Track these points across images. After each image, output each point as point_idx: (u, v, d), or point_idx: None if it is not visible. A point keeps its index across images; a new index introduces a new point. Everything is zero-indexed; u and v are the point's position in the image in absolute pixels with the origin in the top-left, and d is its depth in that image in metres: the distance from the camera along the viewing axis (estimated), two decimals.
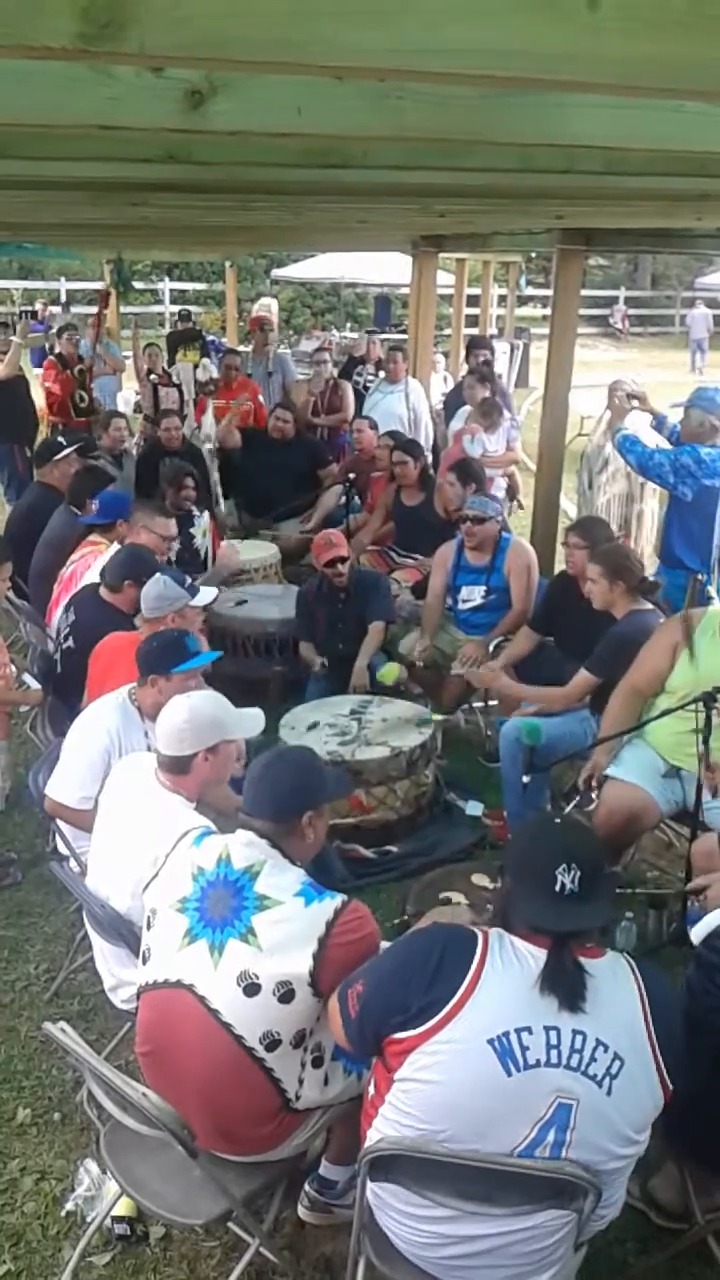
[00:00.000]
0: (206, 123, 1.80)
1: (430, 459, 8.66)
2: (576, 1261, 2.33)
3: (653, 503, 7.30)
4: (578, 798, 4.27)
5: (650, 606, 4.48)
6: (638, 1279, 2.85)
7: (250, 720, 3.27)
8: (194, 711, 3.07)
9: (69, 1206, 3.02)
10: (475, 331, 16.00)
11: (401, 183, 3.26)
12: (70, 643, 4.61)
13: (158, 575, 4.18)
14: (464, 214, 5.91)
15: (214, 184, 3.62)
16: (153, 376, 10.65)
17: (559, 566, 6.44)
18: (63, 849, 3.70)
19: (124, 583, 4.46)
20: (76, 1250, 2.80)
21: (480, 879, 3.83)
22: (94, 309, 15.15)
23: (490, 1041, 2.07)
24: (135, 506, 5.55)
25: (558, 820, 2.38)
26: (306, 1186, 2.95)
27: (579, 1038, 2.08)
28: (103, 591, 4.60)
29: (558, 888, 2.11)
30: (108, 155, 2.50)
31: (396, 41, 1.13)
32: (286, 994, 2.42)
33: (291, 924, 2.46)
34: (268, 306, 10.91)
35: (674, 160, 2.58)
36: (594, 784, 4.04)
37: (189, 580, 4.29)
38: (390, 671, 5.41)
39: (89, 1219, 2.93)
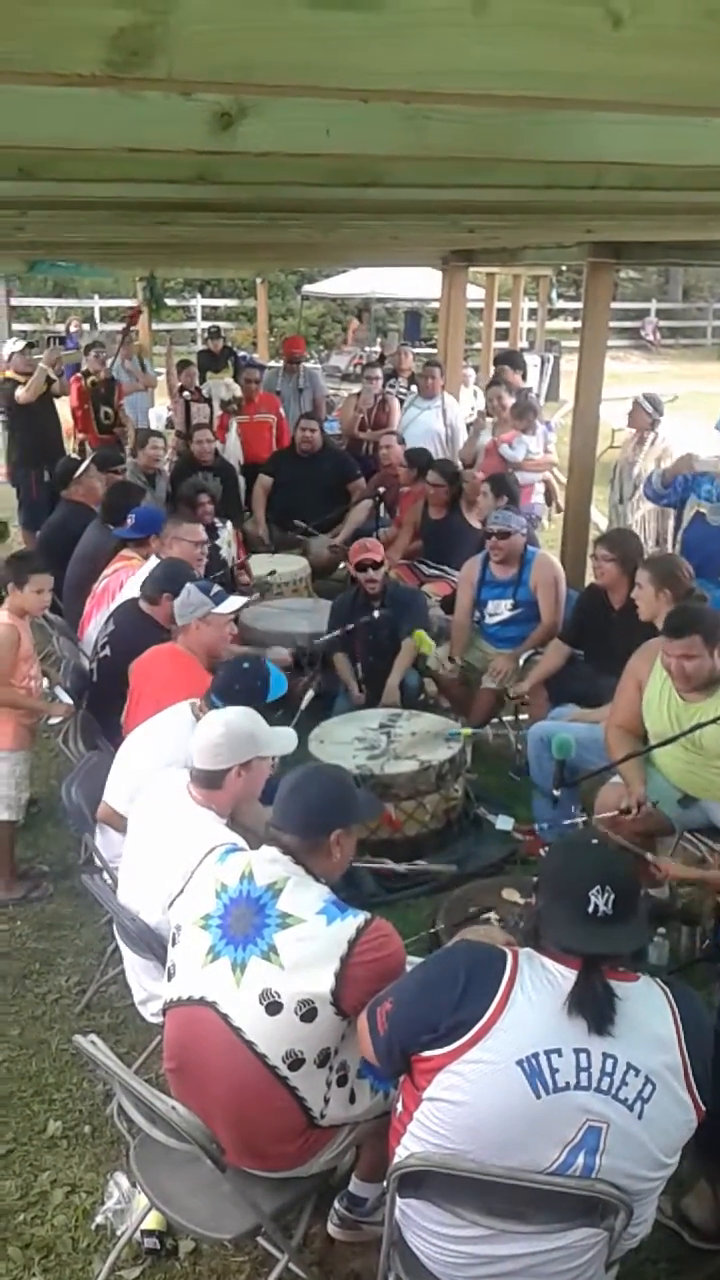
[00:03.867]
0: (235, 144, 1.82)
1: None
2: None
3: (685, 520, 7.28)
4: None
5: None
6: None
7: (283, 739, 3.28)
8: (230, 727, 3.09)
9: (99, 1220, 3.02)
10: (506, 345, 16.01)
11: (429, 200, 3.28)
12: (107, 651, 4.68)
13: (191, 585, 4.24)
14: (493, 229, 5.92)
15: (244, 203, 3.66)
16: (185, 393, 10.73)
17: (589, 579, 6.42)
18: (96, 862, 3.72)
19: (161, 595, 4.52)
20: (106, 1264, 2.81)
21: (511, 894, 3.80)
22: (118, 326, 15.30)
23: (520, 1063, 2.05)
24: (166, 522, 5.60)
25: (594, 840, 2.34)
26: (336, 1203, 2.94)
27: (609, 1061, 2.06)
28: (142, 604, 4.67)
29: (590, 909, 2.09)
30: (138, 176, 2.53)
31: (421, 64, 1.14)
32: (309, 1013, 2.41)
33: (313, 942, 2.45)
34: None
35: (703, 175, 2.57)
36: (640, 812, 3.99)
37: (215, 589, 4.32)
38: (422, 639, 5.37)
39: (119, 1232, 2.93)
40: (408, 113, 1.88)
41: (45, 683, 4.83)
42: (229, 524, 7.07)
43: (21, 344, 10.36)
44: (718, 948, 3.85)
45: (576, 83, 1.18)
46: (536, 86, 1.18)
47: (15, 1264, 2.91)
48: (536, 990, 2.11)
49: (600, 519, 8.70)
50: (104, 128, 1.82)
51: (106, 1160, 3.25)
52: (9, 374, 9.16)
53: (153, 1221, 2.90)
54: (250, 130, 1.81)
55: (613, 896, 2.09)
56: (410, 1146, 2.21)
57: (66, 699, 4.86)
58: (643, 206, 3.83)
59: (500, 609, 5.76)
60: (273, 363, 12.21)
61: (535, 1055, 2.06)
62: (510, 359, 10.19)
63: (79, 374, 10.52)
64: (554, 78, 1.18)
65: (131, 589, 5.06)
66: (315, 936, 2.46)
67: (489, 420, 8.97)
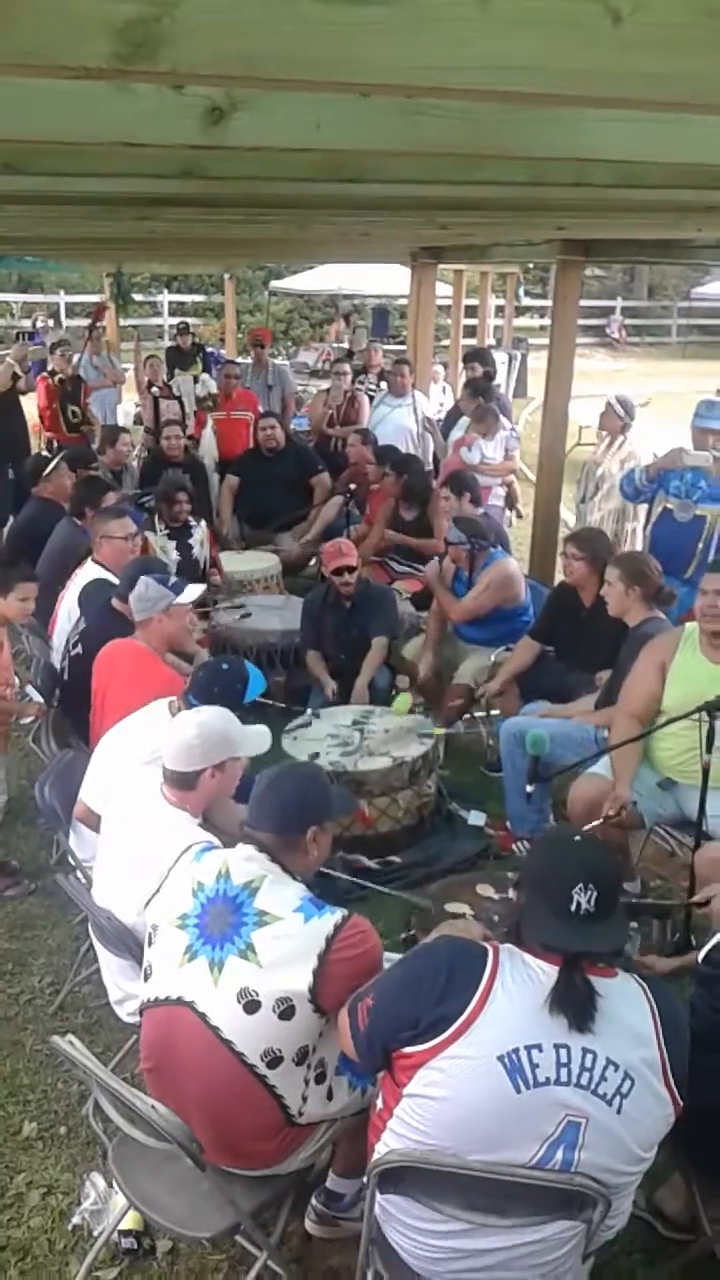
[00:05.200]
0: (227, 138, 1.81)
1: (434, 469, 8.72)
2: (584, 1272, 2.32)
3: (644, 518, 7.32)
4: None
5: (663, 615, 4.49)
6: None
7: (257, 737, 3.28)
8: (203, 728, 3.07)
9: (76, 1220, 3.01)
10: (474, 342, 16.05)
11: (412, 195, 3.28)
12: (79, 650, 4.64)
13: (147, 578, 4.18)
14: (466, 226, 5.93)
15: (228, 198, 3.65)
16: (154, 389, 10.68)
17: (559, 576, 6.45)
18: (69, 862, 3.70)
19: None
20: (84, 1265, 2.79)
21: (485, 889, 3.81)
22: (83, 322, 15.19)
23: (500, 1058, 2.06)
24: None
25: (576, 838, 2.32)
26: (313, 1200, 2.94)
27: (589, 1056, 2.07)
28: (114, 602, 4.63)
29: (573, 907, 2.09)
30: (126, 171, 2.51)
31: (425, 59, 1.14)
32: (287, 1010, 2.41)
33: (291, 940, 2.45)
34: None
35: (686, 173, 2.59)
36: (620, 816, 4.00)
37: (173, 579, 4.29)
38: (402, 704, 5.38)
39: (96, 1233, 2.91)
40: (399, 108, 1.88)
41: (16, 682, 4.79)
42: (202, 523, 7.05)
43: None
44: (688, 942, 3.88)
45: (577, 79, 1.19)
46: (538, 82, 1.19)
47: None
48: (517, 985, 2.12)
49: (569, 516, 8.74)
50: (97, 122, 1.81)
51: (83, 1161, 3.23)
52: None
53: (130, 1221, 2.89)
54: (241, 125, 1.80)
55: (595, 895, 2.10)
56: (390, 1143, 2.22)
57: (38, 698, 4.83)
58: (622, 204, 3.85)
59: None
60: (243, 359, 12.16)
61: (516, 1050, 2.06)
62: (479, 356, 10.20)
63: (45, 373, 10.44)
64: (555, 74, 1.18)
65: (73, 592, 5.08)
66: (292, 934, 2.46)
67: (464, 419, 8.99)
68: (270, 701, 5.59)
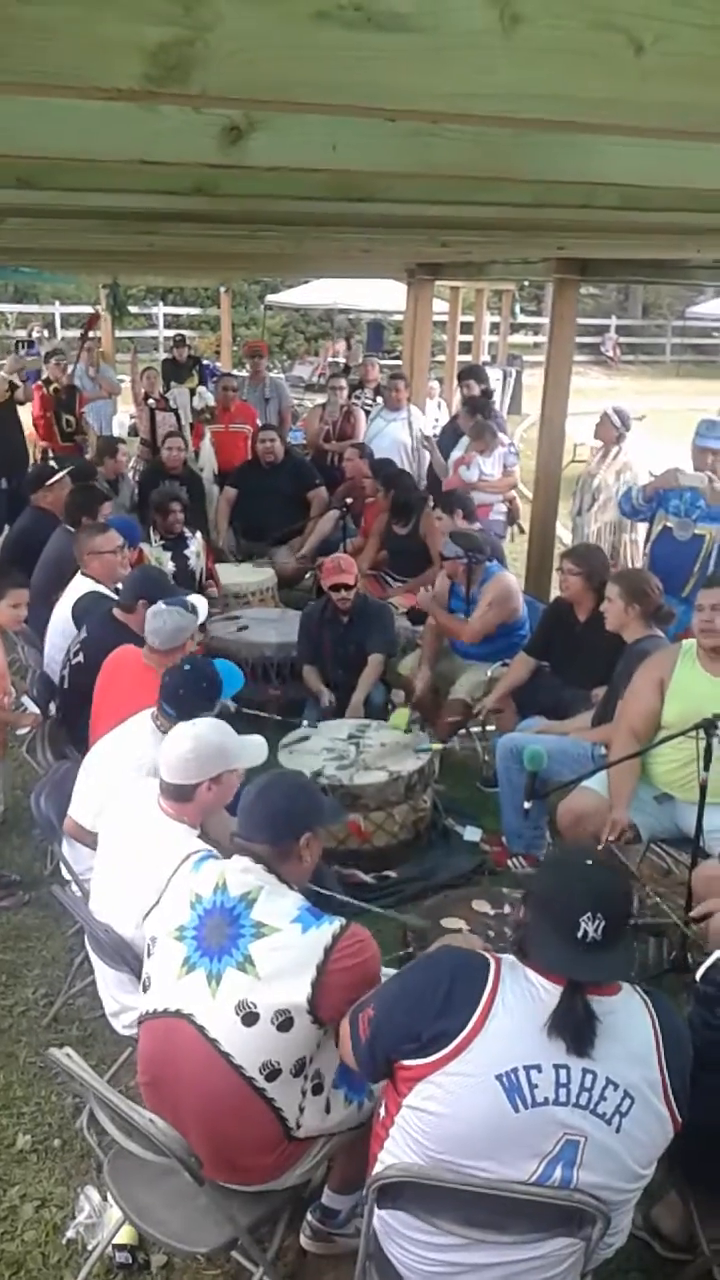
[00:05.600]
0: (244, 158, 1.82)
1: (428, 485, 8.75)
2: None
3: (641, 532, 7.35)
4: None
5: (660, 634, 4.51)
6: None
7: (253, 749, 3.27)
8: (199, 740, 3.07)
9: (70, 1234, 3.00)
10: (469, 358, 16.10)
11: (418, 215, 3.29)
12: (80, 659, 4.61)
13: (167, 609, 4.13)
14: (466, 244, 5.96)
15: (236, 215, 3.65)
16: (150, 401, 10.69)
17: (554, 593, 6.47)
18: (65, 874, 3.69)
19: (137, 602, 4.47)
20: (79, 1278, 2.78)
21: (481, 905, 3.81)
22: (78, 332, 15.22)
23: (499, 1077, 2.06)
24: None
25: (589, 861, 2.26)
26: (309, 1215, 2.93)
27: (589, 1076, 2.06)
28: (116, 611, 4.62)
29: (580, 934, 2.06)
30: (139, 187, 2.52)
31: (450, 86, 1.16)
32: (285, 1022, 2.41)
33: (289, 951, 2.44)
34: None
35: (693, 197, 2.60)
36: (620, 841, 4.01)
37: (188, 600, 4.30)
38: (400, 719, 5.39)
39: (90, 1247, 2.90)
40: (413, 130, 1.89)
41: (13, 692, 4.78)
42: (198, 534, 7.06)
43: None
44: (685, 959, 3.89)
45: (598, 107, 1.20)
46: (560, 110, 1.20)
47: None
48: (519, 1002, 2.12)
49: (565, 533, 8.77)
50: (117, 140, 1.81)
51: (77, 1174, 3.22)
52: None
53: (125, 1235, 2.87)
54: (258, 144, 1.81)
55: (604, 924, 2.06)
56: (393, 1150, 2.21)
57: (34, 708, 4.82)
58: (626, 226, 3.88)
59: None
60: (240, 372, 12.18)
61: (514, 1070, 2.06)
62: (474, 373, 10.25)
63: (40, 382, 10.45)
64: (577, 102, 1.20)
65: (65, 604, 5.08)
66: (290, 945, 2.45)
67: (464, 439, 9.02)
68: (265, 714, 5.61)
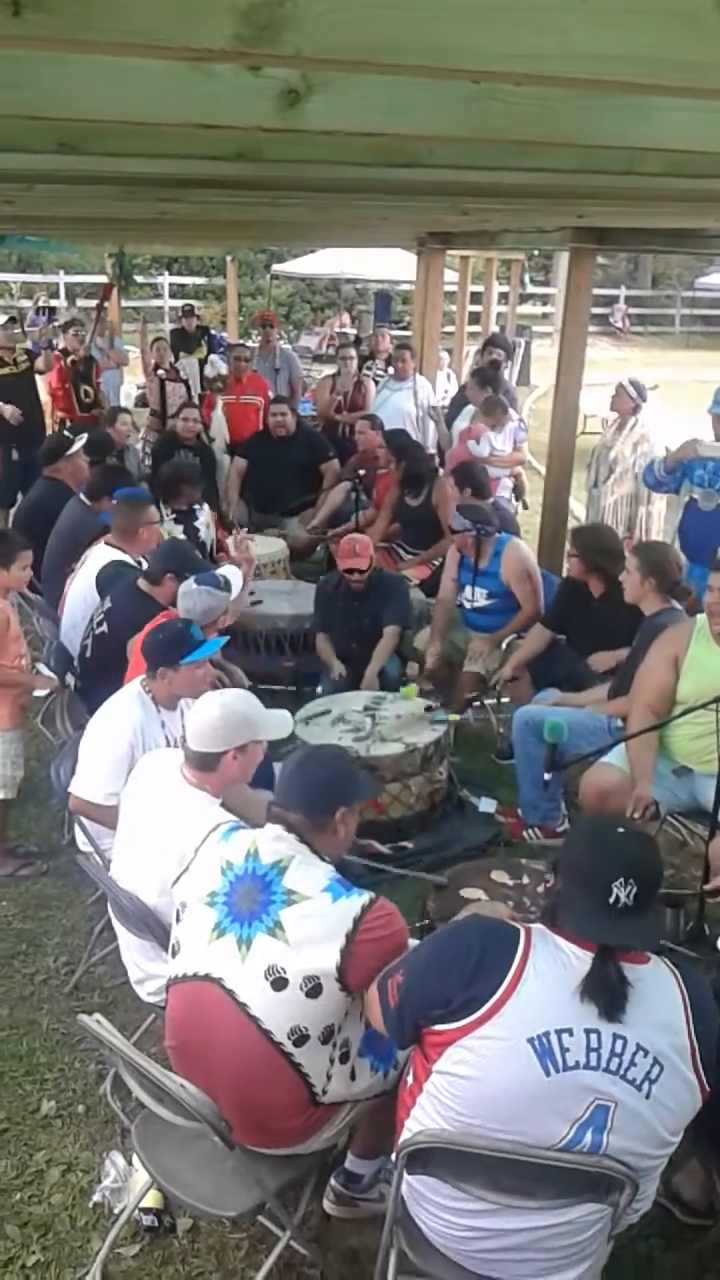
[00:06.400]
0: (301, 121, 1.79)
1: (438, 456, 8.71)
2: (605, 1254, 2.34)
3: (660, 504, 7.32)
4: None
5: (679, 606, 4.50)
6: (664, 1274, 2.87)
7: (279, 721, 3.29)
8: (226, 709, 3.08)
9: (96, 1198, 3.03)
10: (478, 329, 15.99)
11: (456, 181, 3.24)
12: (105, 629, 4.60)
13: (198, 589, 4.17)
14: (488, 212, 5.88)
15: (273, 181, 3.59)
16: (160, 371, 10.64)
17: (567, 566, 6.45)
18: (84, 844, 3.71)
19: (165, 575, 4.49)
20: (106, 1241, 2.81)
21: (500, 875, 3.81)
22: (93, 303, 15.14)
23: (530, 1040, 2.07)
24: (120, 511, 5.38)
25: (620, 829, 2.25)
26: (332, 1180, 2.96)
27: (619, 1042, 2.08)
28: (141, 583, 4.62)
29: (611, 899, 2.07)
30: (184, 153, 2.47)
31: (532, 47, 1.14)
32: (314, 989, 2.43)
33: (319, 919, 2.46)
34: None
35: None
36: (645, 817, 4.02)
37: (220, 577, 4.31)
38: (410, 691, 5.40)
39: (116, 1210, 2.94)
40: (471, 94, 1.85)
41: (29, 656, 4.78)
42: (206, 506, 7.04)
43: (3, 319, 10.23)
44: (702, 931, 3.91)
45: (682, 69, 1.17)
46: (641, 73, 1.17)
47: (14, 1242, 2.91)
48: (550, 969, 2.13)
49: (578, 507, 8.73)
50: (175, 103, 1.77)
51: (101, 1139, 3.25)
52: None
53: (151, 1199, 2.91)
54: (315, 108, 1.78)
55: (635, 890, 2.07)
56: (420, 1118, 2.23)
57: (50, 674, 4.84)
58: (663, 193, 3.80)
59: (478, 596, 5.80)
60: (249, 343, 12.10)
61: (546, 1034, 2.07)
62: (498, 341, 10.16)
63: (59, 352, 10.39)
64: (659, 64, 1.17)
65: (85, 573, 5.10)
66: (321, 913, 2.47)
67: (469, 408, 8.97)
68: (279, 687, 5.62)
